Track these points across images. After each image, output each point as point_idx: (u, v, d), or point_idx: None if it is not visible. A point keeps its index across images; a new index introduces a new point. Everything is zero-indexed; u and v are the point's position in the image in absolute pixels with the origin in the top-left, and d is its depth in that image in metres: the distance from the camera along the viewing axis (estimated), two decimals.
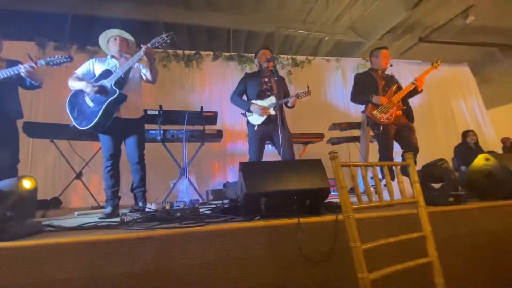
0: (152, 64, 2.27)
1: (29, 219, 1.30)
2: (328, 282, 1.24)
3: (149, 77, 2.31)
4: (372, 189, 1.19)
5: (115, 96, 2.05)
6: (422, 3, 4.81)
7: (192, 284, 1.12)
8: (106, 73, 2.14)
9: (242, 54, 5.14)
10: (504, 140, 5.31)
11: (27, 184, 1.24)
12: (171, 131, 3.28)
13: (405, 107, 2.72)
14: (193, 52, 4.91)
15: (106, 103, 2.04)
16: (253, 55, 2.95)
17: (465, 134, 4.51)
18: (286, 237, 1.24)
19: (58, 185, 3.81)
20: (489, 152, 3.20)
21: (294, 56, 5.36)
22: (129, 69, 2.18)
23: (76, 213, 2.46)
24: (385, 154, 2.64)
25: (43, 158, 3.97)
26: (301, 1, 5.00)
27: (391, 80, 2.81)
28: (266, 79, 2.74)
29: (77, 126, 2.09)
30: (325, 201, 1.53)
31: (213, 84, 4.92)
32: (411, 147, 2.61)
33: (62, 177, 3.92)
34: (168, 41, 2.17)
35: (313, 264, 1.23)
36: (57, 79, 4.35)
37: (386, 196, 1.18)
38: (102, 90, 2.06)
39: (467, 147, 4.40)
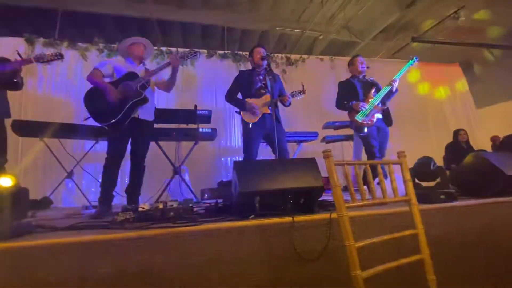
0: (175, 74, 2.43)
1: (19, 219, 1.27)
2: (322, 280, 1.24)
3: (167, 83, 2.49)
4: (365, 187, 1.20)
5: (140, 97, 2.19)
6: (415, 4, 4.87)
7: (186, 284, 1.11)
8: (131, 75, 2.25)
9: (236, 52, 5.11)
10: (493, 139, 5.41)
11: (4, 182, 1.20)
12: (165, 130, 3.25)
13: (385, 107, 2.91)
14: (187, 49, 4.86)
15: (130, 103, 2.15)
16: (248, 53, 2.94)
17: (456, 132, 4.58)
18: (280, 235, 1.24)
19: (48, 184, 3.74)
20: (479, 151, 3.26)
21: (288, 55, 5.36)
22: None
23: (67, 213, 2.42)
24: (372, 153, 2.77)
25: (32, 157, 3.89)
26: (296, 0, 5.00)
27: (370, 84, 2.98)
28: (260, 77, 2.73)
29: (95, 121, 2.16)
30: (319, 199, 1.54)
31: (207, 82, 4.88)
32: (381, 152, 2.83)
33: (52, 176, 3.84)
34: (194, 57, 2.49)
35: (307, 262, 1.23)
36: (46, 77, 4.27)
37: (379, 194, 1.19)
38: (129, 93, 2.18)
39: (458, 146, 4.47)
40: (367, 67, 3.07)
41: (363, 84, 2.98)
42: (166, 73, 2.48)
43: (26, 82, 4.00)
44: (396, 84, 2.88)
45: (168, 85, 2.51)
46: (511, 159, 2.01)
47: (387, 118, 2.95)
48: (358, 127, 2.83)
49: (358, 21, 5.42)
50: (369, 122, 2.78)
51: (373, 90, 2.91)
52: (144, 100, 2.23)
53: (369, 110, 2.80)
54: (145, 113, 2.32)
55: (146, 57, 2.53)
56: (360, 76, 3.03)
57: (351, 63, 3.11)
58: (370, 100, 2.84)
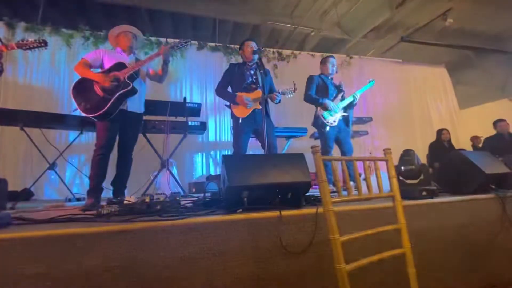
0: (166, 65, 2.39)
1: None
2: (308, 273, 1.27)
3: (159, 74, 2.44)
4: (351, 183, 1.22)
5: (128, 88, 2.13)
6: (405, 4, 4.94)
7: (172, 278, 1.10)
8: (119, 66, 2.19)
9: (227, 45, 5.04)
10: (473, 139, 5.63)
11: None
12: (153, 122, 3.19)
13: (346, 114, 3.08)
14: (177, 40, 4.76)
15: (117, 94, 2.10)
16: (239, 46, 2.90)
17: (440, 132, 4.73)
18: (268, 229, 1.25)
19: (29, 175, 3.61)
20: (460, 150, 3.38)
21: (280, 50, 5.34)
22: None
23: (48, 205, 2.35)
24: (325, 152, 2.94)
25: (13, 147, 3.73)
26: None
27: (338, 88, 3.14)
28: (251, 72, 2.71)
29: (82, 113, 2.10)
30: (306, 194, 1.56)
31: (197, 74, 4.82)
32: (347, 148, 3.01)
33: (33, 167, 3.71)
34: (186, 46, 2.43)
35: (293, 256, 1.25)
36: (28, 63, 4.08)
37: (364, 190, 1.21)
38: (117, 83, 2.11)
39: (441, 145, 4.62)
40: (336, 72, 3.22)
41: (333, 85, 3.14)
42: (158, 64, 2.43)
43: (6, 68, 3.81)
44: (357, 99, 3.07)
45: (160, 76, 2.46)
46: (490, 159, 2.10)
47: (346, 121, 3.13)
48: (321, 124, 2.97)
49: (349, 19, 5.46)
50: (333, 123, 2.95)
51: (340, 94, 3.08)
52: (132, 91, 2.17)
53: (336, 113, 2.98)
54: (134, 105, 2.27)
55: (136, 47, 2.47)
56: (330, 78, 3.16)
57: (322, 63, 3.22)
58: (337, 103, 3.02)
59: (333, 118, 2.95)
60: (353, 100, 3.06)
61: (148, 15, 5.22)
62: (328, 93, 3.05)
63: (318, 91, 3.07)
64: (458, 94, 6.52)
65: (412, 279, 1.14)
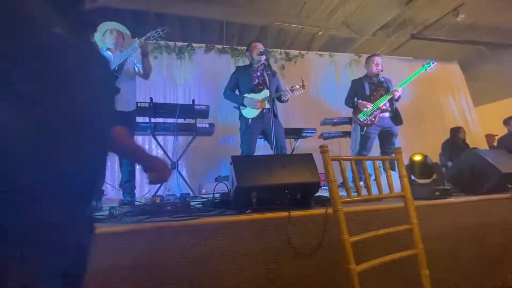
0: (145, 58, 2.30)
1: None
2: (317, 274, 1.26)
3: (141, 71, 2.34)
4: (361, 183, 1.21)
5: None
6: (415, 0, 4.85)
7: (182, 278, 1.12)
8: None
9: (235, 47, 5.07)
10: (488, 137, 5.46)
11: None
12: (162, 124, 3.24)
13: (390, 110, 2.98)
14: (185, 44, 4.81)
15: None
16: (246, 48, 2.92)
17: (457, 130, 4.59)
18: (277, 230, 1.25)
19: None
20: (475, 148, 3.28)
21: (287, 50, 5.32)
22: (123, 63, 2.21)
23: None
24: (361, 152, 2.90)
25: None
26: None
27: (380, 86, 3.07)
28: (258, 73, 2.72)
29: None
30: (316, 195, 1.55)
31: (205, 76, 4.85)
32: (383, 150, 2.99)
33: None
34: (163, 35, 2.21)
35: (302, 257, 1.24)
36: None
37: (375, 190, 1.20)
38: None
39: (454, 143, 4.50)
40: (381, 71, 3.12)
41: (373, 85, 3.07)
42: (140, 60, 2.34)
43: None
44: (398, 93, 2.94)
45: (144, 72, 2.37)
46: (506, 157, 2.03)
47: (395, 119, 3.00)
48: (357, 126, 2.96)
49: (357, 17, 5.39)
50: (369, 122, 2.89)
51: (381, 91, 2.99)
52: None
53: (372, 111, 2.89)
54: (120, 104, 2.17)
55: (125, 44, 2.38)
56: (372, 76, 3.11)
57: (366, 62, 3.22)
58: (375, 100, 2.94)
59: (370, 118, 2.89)
60: (392, 97, 2.92)
61: (156, 18, 5.30)
62: (365, 94, 3.01)
63: (356, 93, 3.07)
64: (472, 91, 6.32)
65: (425, 281, 1.11)
